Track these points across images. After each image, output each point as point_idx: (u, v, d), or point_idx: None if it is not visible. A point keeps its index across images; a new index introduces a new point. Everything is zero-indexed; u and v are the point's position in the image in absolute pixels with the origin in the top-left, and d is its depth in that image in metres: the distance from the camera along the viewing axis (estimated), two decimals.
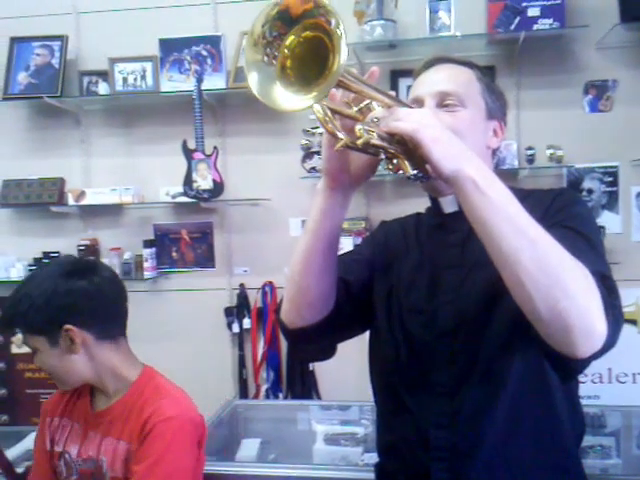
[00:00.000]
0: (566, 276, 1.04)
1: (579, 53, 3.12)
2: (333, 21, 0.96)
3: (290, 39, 1.02)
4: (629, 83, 3.10)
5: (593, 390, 3.04)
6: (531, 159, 3.11)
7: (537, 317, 1.07)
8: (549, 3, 2.97)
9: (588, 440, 2.45)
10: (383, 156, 1.15)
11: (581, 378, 2.97)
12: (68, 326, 1.67)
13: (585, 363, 1.11)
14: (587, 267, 1.07)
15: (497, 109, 1.49)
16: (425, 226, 1.55)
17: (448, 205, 1.44)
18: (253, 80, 1.02)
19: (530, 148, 3.10)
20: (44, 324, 1.67)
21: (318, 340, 1.45)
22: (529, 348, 1.26)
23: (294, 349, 1.56)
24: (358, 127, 1.08)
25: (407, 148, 1.12)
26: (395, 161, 1.16)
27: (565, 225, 1.25)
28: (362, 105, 1.16)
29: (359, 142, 1.08)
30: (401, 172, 1.15)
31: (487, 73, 1.54)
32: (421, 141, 1.07)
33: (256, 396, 3.35)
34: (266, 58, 1.03)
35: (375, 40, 3.09)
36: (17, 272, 3.38)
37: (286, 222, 3.33)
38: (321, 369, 3.27)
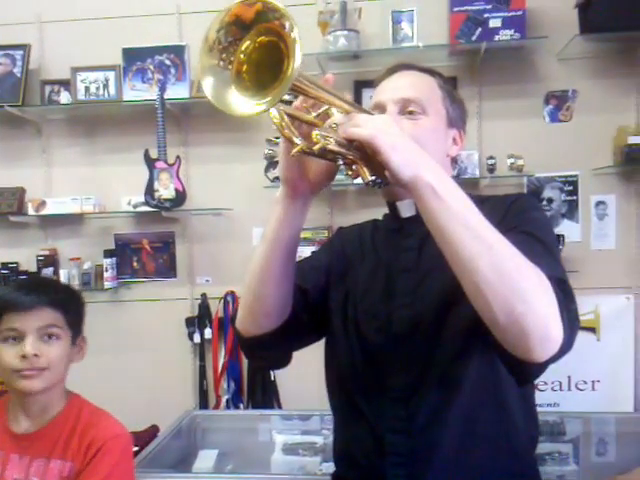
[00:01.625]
0: (523, 281, 1.04)
1: (540, 64, 3.17)
2: (287, 25, 0.96)
3: (245, 44, 1.02)
4: (589, 93, 3.15)
5: (553, 398, 3.04)
6: (492, 168, 3.13)
7: (494, 322, 1.07)
8: (510, 14, 3.01)
9: (547, 447, 2.46)
10: (341, 162, 1.15)
11: (541, 386, 3.03)
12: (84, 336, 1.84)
13: (542, 367, 1.11)
14: (544, 272, 1.08)
15: (457, 118, 1.50)
16: (382, 231, 1.55)
17: (405, 209, 1.44)
18: (208, 85, 1.02)
19: (491, 157, 3.13)
20: (81, 323, 1.82)
21: (274, 348, 1.44)
22: (484, 352, 1.28)
23: (250, 357, 1.56)
24: (315, 133, 1.07)
25: (365, 154, 1.12)
26: (354, 167, 1.15)
27: (522, 230, 1.26)
28: (321, 111, 1.15)
29: (315, 148, 1.07)
30: (360, 178, 1.14)
31: (449, 82, 1.54)
32: (379, 147, 1.06)
33: (216, 407, 3.31)
34: (222, 63, 1.03)
35: (338, 50, 3.11)
36: None
37: (249, 232, 3.30)
38: (283, 379, 3.24)
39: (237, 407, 3.30)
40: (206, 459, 2.48)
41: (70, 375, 1.82)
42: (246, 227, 3.31)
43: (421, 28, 3.10)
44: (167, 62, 3.23)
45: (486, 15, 3.02)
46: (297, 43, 0.94)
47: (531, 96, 3.18)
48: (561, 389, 3.07)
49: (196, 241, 3.41)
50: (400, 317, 1.39)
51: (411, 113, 1.41)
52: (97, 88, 3.29)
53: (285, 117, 1.07)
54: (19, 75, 3.31)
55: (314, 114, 1.15)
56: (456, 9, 3.05)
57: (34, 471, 1.66)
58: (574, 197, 3.17)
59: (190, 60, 3.25)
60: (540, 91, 3.18)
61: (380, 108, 1.43)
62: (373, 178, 1.13)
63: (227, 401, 3.33)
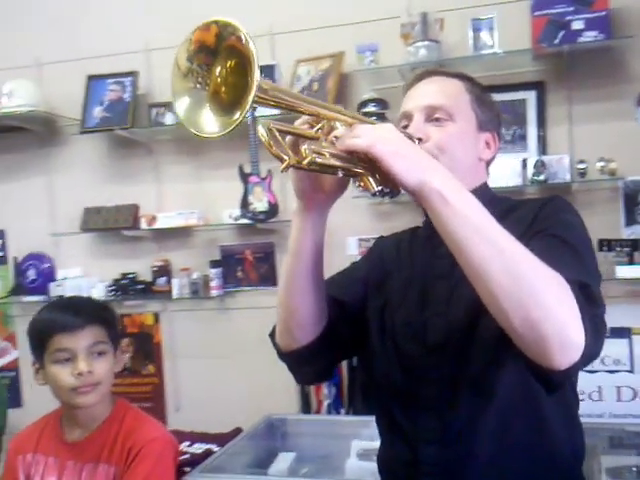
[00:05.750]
0: (538, 286, 1.02)
1: (630, 64, 3.04)
2: (242, 38, 0.97)
3: (218, 69, 1.03)
4: None
5: None
6: (582, 172, 3.04)
7: (511, 329, 1.06)
8: (593, 15, 2.90)
9: (623, 460, 2.40)
10: (340, 174, 1.13)
11: None
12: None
13: (565, 374, 1.09)
14: (566, 275, 1.06)
15: (488, 121, 1.50)
16: (420, 238, 1.55)
17: None
18: (182, 106, 1.04)
19: (582, 162, 3.05)
20: (118, 335, 1.98)
21: (314, 361, 1.47)
22: (517, 360, 1.23)
23: (292, 372, 1.56)
24: (304, 147, 1.06)
25: (371, 165, 1.11)
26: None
27: (550, 233, 1.25)
28: (319, 125, 1.15)
29: (304, 162, 1.06)
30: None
31: (477, 85, 1.54)
32: (379, 156, 1.06)
33: (318, 411, 3.44)
34: (199, 85, 1.04)
35: (419, 61, 3.13)
36: (97, 292, 3.63)
37: (343, 241, 3.40)
38: None
39: (338, 412, 3.40)
40: (283, 462, 2.59)
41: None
42: (339, 236, 3.37)
43: (502, 34, 3.05)
44: None
45: (568, 17, 2.94)
46: (254, 58, 0.96)
47: (622, 97, 3.05)
48: None
49: None
50: (434, 325, 1.39)
51: (437, 120, 1.42)
52: None
53: (277, 134, 1.06)
54: (128, 100, 3.58)
55: (316, 128, 1.15)
56: (537, 13, 2.99)
57: (85, 476, 1.85)
58: None
59: (281, 79, 3.39)
60: (631, 92, 3.04)
61: (407, 117, 1.46)
62: (380, 188, 1.13)
63: (328, 406, 3.44)
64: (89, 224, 3.69)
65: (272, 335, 1.53)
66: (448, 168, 1.29)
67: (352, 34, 3.28)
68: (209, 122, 1.02)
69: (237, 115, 0.97)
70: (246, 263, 3.60)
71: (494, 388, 1.33)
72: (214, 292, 3.54)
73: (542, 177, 3.04)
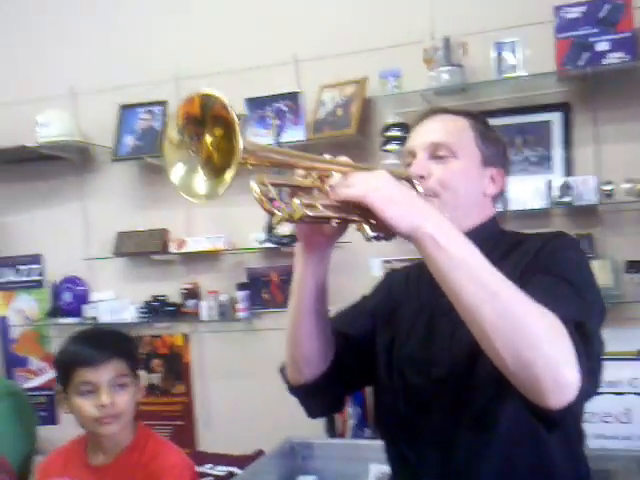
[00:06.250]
0: (531, 327, 1.04)
1: None
2: (226, 106, 0.99)
3: (208, 136, 1.05)
4: None
5: None
6: (609, 194, 3.01)
7: (505, 368, 1.07)
8: (618, 37, 2.89)
9: None
10: (335, 224, 1.15)
11: None
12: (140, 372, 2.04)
13: (563, 414, 1.08)
14: (562, 314, 1.07)
15: (493, 156, 1.52)
16: (427, 273, 1.58)
17: None
18: (177, 173, 1.06)
19: (608, 183, 3.01)
20: (138, 365, 2.03)
21: (322, 395, 1.52)
22: (516, 398, 1.26)
23: (302, 405, 1.59)
24: (295, 202, 1.08)
25: (364, 212, 1.12)
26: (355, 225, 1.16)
27: (550, 271, 1.26)
28: (314, 175, 1.17)
29: (295, 216, 1.08)
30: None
31: (482, 122, 1.56)
32: (372, 205, 1.08)
33: (342, 431, 3.44)
34: (192, 154, 1.06)
35: (442, 86, 3.14)
36: (130, 314, 3.72)
37: (367, 263, 3.42)
38: None
39: (363, 432, 3.39)
40: None
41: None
42: (363, 258, 3.39)
43: (526, 57, 3.04)
44: (284, 108, 3.43)
45: (592, 39, 2.92)
46: (237, 127, 0.97)
47: None
48: None
49: None
50: (438, 359, 1.42)
51: (441, 157, 1.45)
52: None
53: (271, 188, 1.08)
54: (158, 129, 3.66)
55: (311, 178, 1.17)
56: (561, 35, 2.98)
57: None
58: None
59: (305, 105, 3.43)
60: None
61: (411, 155, 1.50)
62: (373, 235, 1.16)
63: (354, 426, 3.45)
64: (121, 248, 3.77)
65: (283, 370, 1.56)
66: (451, 204, 1.33)
67: (375, 59, 3.32)
68: (203, 186, 1.05)
69: (227, 178, 1.01)
70: (272, 285, 3.64)
71: (495, 424, 1.34)
72: (241, 314, 3.58)
73: (568, 199, 3.02)
